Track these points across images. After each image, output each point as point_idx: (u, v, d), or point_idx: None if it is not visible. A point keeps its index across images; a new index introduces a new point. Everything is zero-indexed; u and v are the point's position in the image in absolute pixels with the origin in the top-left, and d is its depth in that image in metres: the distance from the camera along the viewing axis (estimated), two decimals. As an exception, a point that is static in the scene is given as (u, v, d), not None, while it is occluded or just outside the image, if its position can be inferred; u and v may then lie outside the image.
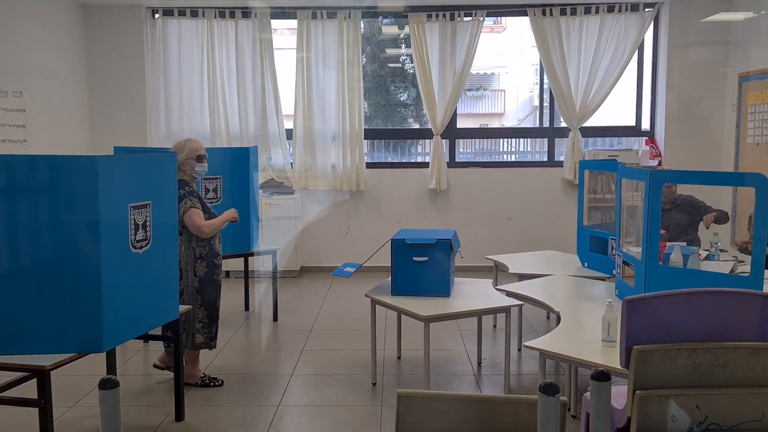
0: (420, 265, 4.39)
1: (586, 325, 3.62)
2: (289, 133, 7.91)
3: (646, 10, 7.64)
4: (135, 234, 3.37)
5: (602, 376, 1.21)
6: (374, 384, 4.53)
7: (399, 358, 5.03)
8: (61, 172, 3.10)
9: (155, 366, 4.72)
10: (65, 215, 3.09)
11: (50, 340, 3.11)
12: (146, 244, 3.46)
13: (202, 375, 4.57)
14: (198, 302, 4.41)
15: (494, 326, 5.76)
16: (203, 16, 7.70)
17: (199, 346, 4.48)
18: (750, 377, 1.54)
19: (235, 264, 7.26)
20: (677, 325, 1.56)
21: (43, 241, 3.10)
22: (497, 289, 4.59)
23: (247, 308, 6.44)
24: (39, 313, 3.11)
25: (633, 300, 1.58)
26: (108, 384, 1.16)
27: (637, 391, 1.48)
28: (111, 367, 3.76)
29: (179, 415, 4.02)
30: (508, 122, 13.20)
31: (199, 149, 4.45)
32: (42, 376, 3.02)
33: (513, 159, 8.65)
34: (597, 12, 7.60)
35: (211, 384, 4.54)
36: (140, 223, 3.41)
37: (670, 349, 1.51)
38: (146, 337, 4.67)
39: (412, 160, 8.49)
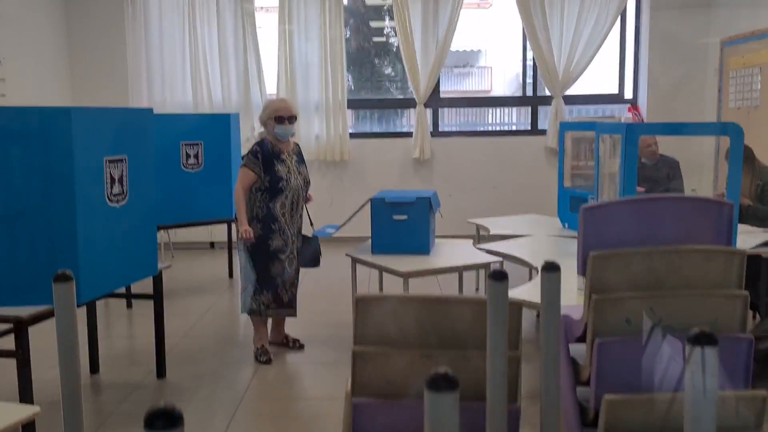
0: (400, 224, 4.41)
1: (564, 277, 3.65)
2: (272, 104, 7.86)
3: (629, -24, 7.63)
4: (111, 188, 3.37)
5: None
6: (356, 343, 4.55)
7: (381, 319, 5.06)
8: (35, 123, 3.08)
9: (270, 344, 4.44)
10: (40, 165, 3.08)
11: (25, 291, 3.11)
12: (123, 199, 3.45)
13: (258, 347, 4.31)
14: (250, 265, 4.23)
15: (476, 289, 5.80)
16: (184, -15, 7.62)
17: (250, 312, 4.28)
18: (704, 282, 1.56)
19: (219, 234, 7.26)
20: (633, 233, 1.58)
21: (17, 192, 3.09)
22: (478, 248, 4.61)
23: (230, 275, 6.44)
24: (13, 264, 3.10)
25: (590, 207, 1.59)
26: (62, 278, 1.17)
27: (593, 295, 1.50)
28: (91, 320, 3.76)
29: (161, 373, 4.04)
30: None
31: (279, 110, 4.22)
32: (19, 326, 3.02)
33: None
34: (580, -21, 7.57)
35: (259, 359, 4.26)
36: (116, 177, 3.41)
37: (626, 253, 1.53)
38: (129, 296, 4.70)
39: (396, 130, 8.48)
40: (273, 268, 4.22)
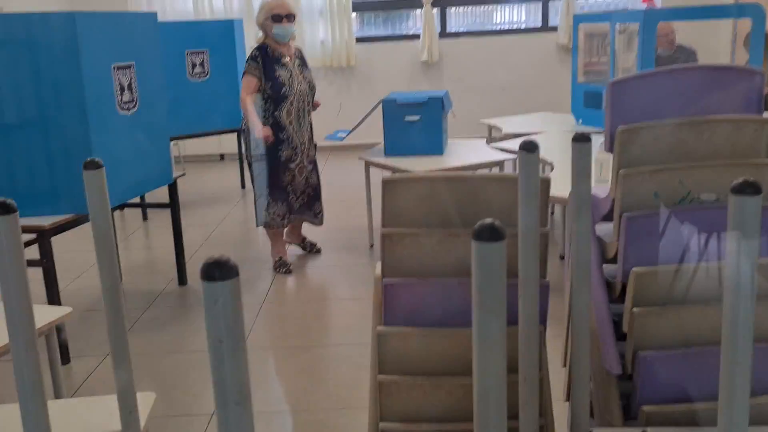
0: (412, 125, 4.36)
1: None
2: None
3: None
4: (121, 95, 3.33)
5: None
6: (372, 246, 4.60)
7: (396, 221, 5.09)
8: (39, 29, 3.02)
9: (288, 243, 4.49)
10: (48, 74, 3.04)
11: (44, 201, 3.14)
12: (133, 106, 3.42)
13: (276, 259, 4.29)
14: (261, 176, 4.17)
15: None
16: None
17: (266, 225, 4.24)
18: (734, 151, 1.54)
19: (228, 146, 7.25)
20: (662, 105, 1.55)
21: (27, 102, 3.07)
22: (492, 147, 4.58)
23: (243, 186, 6.46)
24: (31, 175, 3.12)
25: (618, 81, 1.56)
26: (92, 165, 1.16)
27: (621, 170, 1.49)
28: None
29: (182, 280, 4.12)
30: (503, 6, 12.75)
31: (275, 8, 4.00)
32: (42, 235, 3.06)
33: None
34: None
35: (278, 271, 4.24)
36: (125, 84, 3.36)
37: (654, 126, 1.51)
38: (144, 206, 4.74)
39: (403, 33, 8.28)
40: (284, 177, 4.16)
